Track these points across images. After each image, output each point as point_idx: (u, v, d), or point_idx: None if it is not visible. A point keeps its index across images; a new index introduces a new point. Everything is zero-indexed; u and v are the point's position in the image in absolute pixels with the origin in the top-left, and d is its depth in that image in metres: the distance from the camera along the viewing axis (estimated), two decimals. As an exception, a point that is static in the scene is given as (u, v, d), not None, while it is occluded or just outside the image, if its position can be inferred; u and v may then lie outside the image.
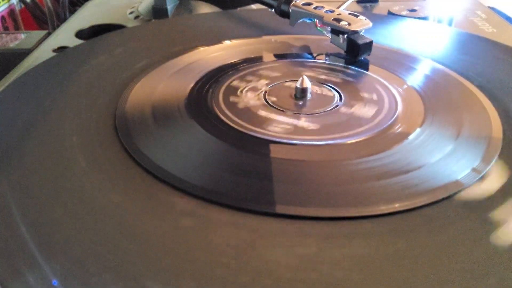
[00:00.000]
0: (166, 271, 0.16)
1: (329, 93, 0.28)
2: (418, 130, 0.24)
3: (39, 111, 0.26)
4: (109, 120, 0.25)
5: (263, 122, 0.24)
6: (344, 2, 0.49)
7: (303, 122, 0.24)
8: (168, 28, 0.40)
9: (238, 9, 0.48)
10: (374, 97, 0.27)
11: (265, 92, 0.28)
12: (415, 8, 0.48)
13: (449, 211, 0.18)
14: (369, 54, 0.32)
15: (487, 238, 0.17)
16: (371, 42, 0.32)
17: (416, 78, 0.30)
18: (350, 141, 0.23)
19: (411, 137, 0.23)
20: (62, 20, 0.56)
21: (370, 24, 0.32)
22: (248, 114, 0.25)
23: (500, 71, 0.30)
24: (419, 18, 0.44)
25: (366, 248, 0.16)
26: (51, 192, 0.19)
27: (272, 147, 0.22)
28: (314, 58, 0.33)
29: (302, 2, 0.35)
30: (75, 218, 0.18)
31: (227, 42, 0.36)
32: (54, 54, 0.38)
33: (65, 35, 0.43)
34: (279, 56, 0.33)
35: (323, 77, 0.30)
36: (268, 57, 0.33)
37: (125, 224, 0.18)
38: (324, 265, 0.16)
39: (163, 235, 0.17)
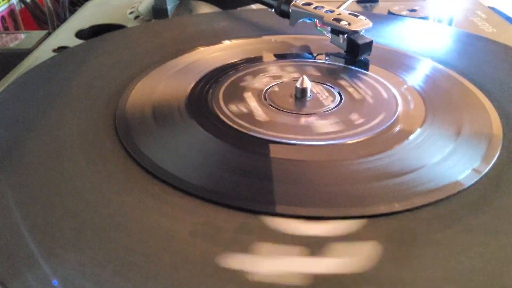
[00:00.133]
0: (167, 271, 0.16)
1: (329, 93, 0.28)
2: (418, 130, 0.24)
3: (39, 111, 0.26)
4: (109, 120, 0.25)
5: (263, 122, 0.24)
6: (344, 2, 0.49)
7: (303, 122, 0.24)
8: (168, 28, 0.40)
9: (238, 9, 0.48)
10: (374, 97, 0.27)
11: (265, 92, 0.28)
12: (415, 8, 0.47)
13: (450, 211, 0.18)
14: (369, 54, 0.32)
15: (487, 238, 0.17)
16: (371, 42, 0.32)
17: (416, 78, 0.30)
18: (350, 141, 0.23)
19: (411, 137, 0.23)
20: (62, 20, 0.56)
21: (370, 24, 0.32)
22: (248, 114, 0.25)
23: (500, 71, 0.30)
24: (419, 18, 0.44)
25: (366, 249, 0.16)
26: (51, 192, 0.19)
27: (272, 147, 0.22)
28: (314, 58, 0.33)
29: (302, 2, 0.35)
30: (75, 218, 0.18)
31: (227, 42, 0.36)
32: (54, 54, 0.38)
33: (65, 35, 0.43)
34: (279, 56, 0.33)
35: (323, 77, 0.30)
36: (268, 57, 0.33)
37: (125, 223, 0.18)
38: (324, 265, 0.16)
39: (163, 234, 0.17)
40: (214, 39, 0.36)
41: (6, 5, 0.64)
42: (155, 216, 0.18)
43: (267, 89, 0.28)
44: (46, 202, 0.19)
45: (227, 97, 0.27)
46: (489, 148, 0.22)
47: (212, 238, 0.17)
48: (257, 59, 0.32)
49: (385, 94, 0.27)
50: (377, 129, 0.24)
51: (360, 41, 0.31)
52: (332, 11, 0.33)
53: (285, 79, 0.29)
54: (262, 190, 0.19)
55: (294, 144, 0.23)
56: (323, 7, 0.34)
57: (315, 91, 0.28)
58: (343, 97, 0.27)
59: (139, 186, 0.20)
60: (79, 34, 0.43)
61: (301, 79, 0.27)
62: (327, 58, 0.33)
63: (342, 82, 0.29)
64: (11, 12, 0.66)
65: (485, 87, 0.28)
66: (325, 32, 0.34)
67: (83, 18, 0.48)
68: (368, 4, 0.51)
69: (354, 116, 0.25)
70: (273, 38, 0.36)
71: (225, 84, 0.29)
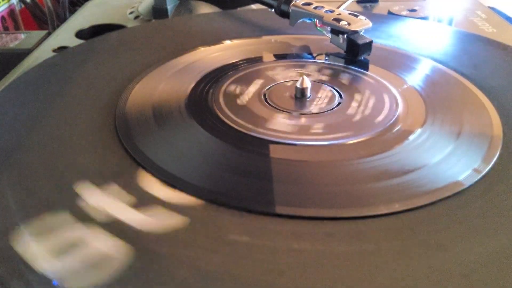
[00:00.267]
0: (167, 270, 0.16)
1: (329, 93, 0.28)
2: (419, 130, 0.24)
3: (39, 111, 0.26)
4: (109, 120, 0.25)
5: (263, 122, 0.24)
6: (344, 2, 0.49)
7: (303, 122, 0.24)
8: (168, 28, 0.40)
9: (238, 9, 0.48)
10: (374, 97, 0.27)
11: (265, 92, 0.28)
12: (415, 8, 0.47)
13: (450, 211, 0.18)
14: (369, 54, 0.32)
15: (487, 238, 0.17)
16: (371, 42, 0.32)
17: (416, 78, 0.30)
18: (350, 141, 0.23)
19: (411, 137, 0.23)
20: (62, 20, 0.56)
21: (370, 24, 0.32)
22: (249, 114, 0.25)
23: (500, 71, 0.30)
24: (419, 18, 0.44)
25: (366, 249, 0.16)
26: (51, 192, 0.19)
27: (272, 147, 0.22)
28: (314, 58, 0.33)
29: (302, 2, 0.35)
30: (75, 218, 0.18)
31: (227, 42, 0.36)
32: (54, 54, 0.38)
33: (65, 35, 0.43)
34: (279, 56, 0.33)
35: (323, 77, 0.30)
36: (268, 57, 0.33)
37: (125, 223, 0.18)
38: (324, 266, 0.16)
39: (163, 235, 0.17)
40: (214, 39, 0.36)
41: (6, 5, 0.64)
42: (155, 216, 0.18)
43: (267, 89, 0.28)
44: (46, 202, 0.19)
45: (227, 97, 0.27)
46: (489, 148, 0.22)
47: (212, 237, 0.17)
48: (257, 59, 0.32)
49: (385, 94, 0.27)
50: (377, 129, 0.24)
51: (360, 41, 0.31)
52: (332, 11, 0.33)
53: (285, 79, 0.29)
54: (262, 190, 0.19)
55: (294, 144, 0.23)
56: (323, 7, 0.34)
57: (315, 91, 0.28)
58: (343, 97, 0.27)
59: (138, 186, 0.20)
60: (79, 34, 0.43)
61: (301, 79, 0.27)
62: (327, 58, 0.33)
63: (342, 82, 0.29)
64: (11, 12, 0.66)
65: (485, 87, 0.28)
66: (325, 32, 0.34)
67: (83, 18, 0.48)
68: (368, 4, 0.51)
69: (354, 116, 0.25)
70: (273, 38, 0.36)
71: (226, 84, 0.29)
